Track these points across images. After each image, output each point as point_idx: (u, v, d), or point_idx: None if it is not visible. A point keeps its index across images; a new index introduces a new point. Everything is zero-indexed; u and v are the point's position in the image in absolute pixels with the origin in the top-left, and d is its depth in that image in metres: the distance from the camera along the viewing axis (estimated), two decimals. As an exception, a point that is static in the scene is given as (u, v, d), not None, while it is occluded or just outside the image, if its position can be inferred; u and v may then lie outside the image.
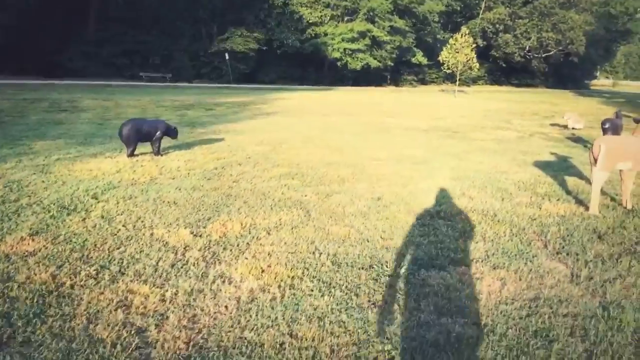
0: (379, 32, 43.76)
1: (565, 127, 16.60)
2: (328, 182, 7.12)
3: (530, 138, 13.64)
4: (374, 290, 3.63)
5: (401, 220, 5.37)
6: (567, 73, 69.44)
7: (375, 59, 45.51)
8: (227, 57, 42.10)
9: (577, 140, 13.42)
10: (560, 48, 54.57)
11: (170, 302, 3.33)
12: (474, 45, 38.11)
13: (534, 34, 53.70)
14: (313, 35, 44.94)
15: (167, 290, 3.48)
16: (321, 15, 45.17)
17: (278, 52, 45.04)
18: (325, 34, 44.43)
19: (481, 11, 58.84)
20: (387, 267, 4.07)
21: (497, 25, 55.12)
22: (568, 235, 5.00)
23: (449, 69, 38.93)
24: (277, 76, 47.14)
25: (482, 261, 4.27)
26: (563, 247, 4.67)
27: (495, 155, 10.26)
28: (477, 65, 39.32)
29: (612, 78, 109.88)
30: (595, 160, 5.91)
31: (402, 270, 3.99)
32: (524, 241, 4.81)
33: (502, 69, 64.43)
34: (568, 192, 6.89)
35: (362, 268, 4.03)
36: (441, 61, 39.21)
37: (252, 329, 3.01)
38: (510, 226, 5.26)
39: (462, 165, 8.77)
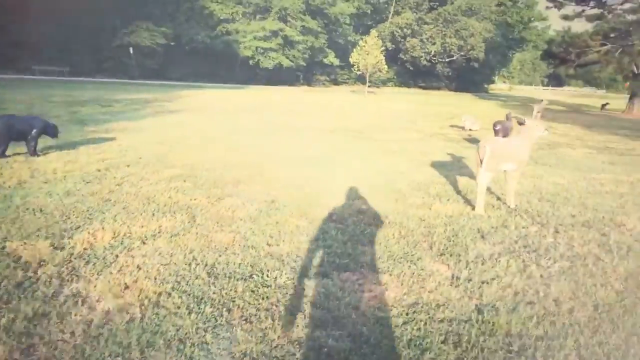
0: (291, 31, 43.71)
1: (463, 128, 17.39)
2: (222, 185, 6.78)
3: (430, 139, 14.12)
4: (249, 303, 3.37)
5: (291, 224, 5.17)
6: (468, 77, 73.76)
7: (287, 58, 45.42)
8: (131, 51, 39.91)
9: (473, 141, 14.07)
10: (462, 53, 57.80)
11: (3, 330, 2.84)
12: (383, 48, 39.17)
13: (439, 40, 56.45)
14: (224, 32, 43.94)
15: (2, 316, 2.98)
16: (232, 12, 44.30)
17: (187, 48, 43.51)
18: (237, 32, 43.61)
19: (390, 15, 60.84)
20: (267, 276, 3.83)
21: (405, 30, 57.28)
22: (453, 236, 5.08)
23: (359, 70, 39.73)
24: (186, 73, 45.53)
25: (367, 266, 4.17)
26: (447, 248, 4.71)
27: (395, 156, 10.44)
28: (386, 67, 40.52)
29: (508, 83, 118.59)
30: (481, 161, 6.09)
31: (283, 280, 3.77)
32: (410, 243, 4.80)
33: (410, 71, 67.10)
34: (458, 192, 7.08)
35: (241, 279, 3.77)
36: (352, 62, 39.91)
37: (98, 359, 2.63)
38: (400, 228, 5.25)
39: (363, 167, 8.79)
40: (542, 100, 25.00)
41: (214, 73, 47.72)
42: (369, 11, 58.11)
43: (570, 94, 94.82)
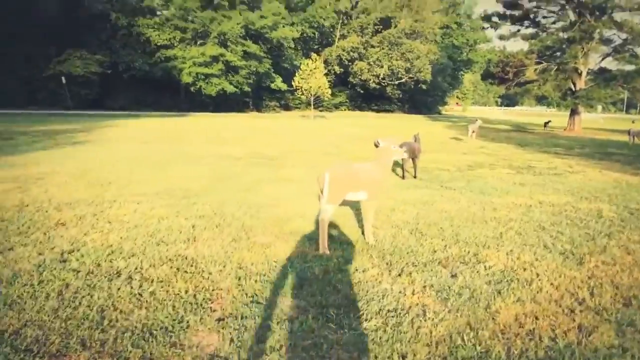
0: (232, 56, 42.83)
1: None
2: (36, 229, 5.57)
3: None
4: None
5: (60, 284, 4.02)
6: (420, 99, 74.75)
7: (231, 84, 44.43)
8: (63, 81, 38.13)
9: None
10: (410, 76, 58.34)
11: None
12: (326, 72, 38.81)
13: (386, 62, 56.82)
14: (163, 58, 42.65)
15: None
16: (170, 38, 43.16)
17: (125, 76, 41.97)
18: (176, 58, 42.41)
19: (337, 39, 61.07)
20: None
21: (352, 53, 57.48)
22: (262, 288, 4.03)
23: (302, 94, 39.15)
24: (128, 102, 43.93)
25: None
26: (236, 309, 3.64)
27: (287, 184, 9.45)
28: (330, 91, 40.10)
29: (462, 104, 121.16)
30: (321, 192, 5.12)
31: None
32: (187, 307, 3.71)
33: (362, 95, 67.37)
34: (314, 228, 6.09)
35: None
36: (294, 87, 39.33)
37: None
38: (207, 281, 4.17)
39: (234, 199, 7.71)
40: (476, 120, 24.82)
41: (157, 101, 46.30)
42: (312, 34, 58.09)
43: (522, 113, 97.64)
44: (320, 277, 4.35)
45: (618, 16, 36.46)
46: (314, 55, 40.75)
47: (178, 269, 4.45)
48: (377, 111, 70.58)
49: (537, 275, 4.58)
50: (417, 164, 11.45)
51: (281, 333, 3.29)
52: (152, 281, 4.14)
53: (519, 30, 40.19)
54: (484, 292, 4.10)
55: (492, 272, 4.62)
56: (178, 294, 3.90)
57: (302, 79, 38.23)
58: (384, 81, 59.43)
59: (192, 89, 43.64)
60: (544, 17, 39.46)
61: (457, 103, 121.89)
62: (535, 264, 4.90)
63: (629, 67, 36.89)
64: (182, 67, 42.09)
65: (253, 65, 45.04)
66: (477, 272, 4.60)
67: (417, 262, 4.84)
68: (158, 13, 44.10)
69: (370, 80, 58.21)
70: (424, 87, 61.28)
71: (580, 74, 36.94)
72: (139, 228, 5.80)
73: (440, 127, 38.28)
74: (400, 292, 4.07)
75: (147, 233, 5.59)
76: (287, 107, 58.67)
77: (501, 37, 41.31)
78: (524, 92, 38.24)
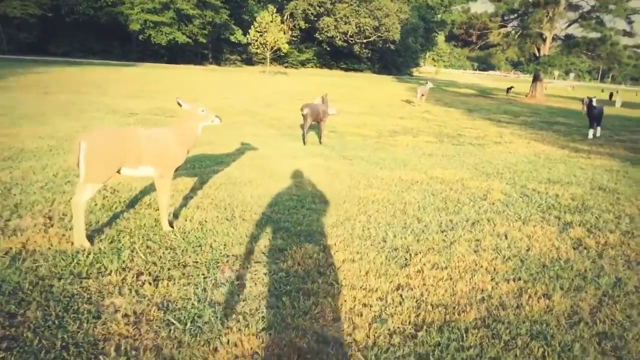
0: (184, 4, 40.11)
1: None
2: None
3: (259, 123, 12.06)
4: None
5: None
6: (390, 60, 72.95)
7: (183, 33, 41.85)
8: (-2, 22, 35.18)
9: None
10: (379, 34, 56.35)
11: None
12: (291, 27, 36.73)
13: (353, 19, 54.60)
14: (109, 2, 39.61)
15: None
16: (118, -19, 40.09)
17: (68, 20, 38.95)
18: (123, 3, 39.43)
19: (304, -8, 58.30)
20: None
21: (319, 8, 54.94)
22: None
23: (257, 48, 37.13)
24: (72, 48, 41.09)
25: None
26: None
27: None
28: (286, 46, 38.19)
29: (435, 66, 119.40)
30: (78, 165, 3.84)
31: None
32: None
33: (330, 53, 65.09)
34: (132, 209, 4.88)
35: None
36: (249, 41, 37.24)
37: None
38: None
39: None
40: (426, 83, 23.68)
41: (106, 49, 43.56)
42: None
43: (496, 78, 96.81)
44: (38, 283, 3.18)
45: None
46: (270, 7, 38.38)
47: None
48: (346, 70, 68.68)
49: (336, 282, 3.52)
50: (323, 129, 10.29)
51: None
52: None
53: (487, -9, 38.62)
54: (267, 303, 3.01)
55: (286, 268, 3.54)
56: None
57: (256, 32, 36.09)
58: (351, 39, 57.32)
59: (140, 37, 40.96)
60: (513, -22, 37.91)
61: (434, 65, 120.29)
62: (351, 262, 3.85)
63: (595, 35, 35.93)
64: (130, 13, 39.24)
65: (209, 15, 42.40)
66: (259, 279, 3.50)
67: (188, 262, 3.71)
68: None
69: (337, 37, 56.04)
70: (392, 47, 59.41)
71: (545, 40, 35.87)
72: None
73: (402, 88, 37.04)
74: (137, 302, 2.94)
75: None
76: (249, 62, 56.21)
77: (468, -1, 39.72)
78: (487, 56, 37.07)
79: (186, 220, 4.58)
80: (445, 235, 4.71)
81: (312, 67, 66.74)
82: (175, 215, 4.72)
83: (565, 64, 34.71)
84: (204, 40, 43.29)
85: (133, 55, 43.80)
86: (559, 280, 3.80)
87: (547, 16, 34.45)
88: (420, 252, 4.22)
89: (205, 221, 4.61)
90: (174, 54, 45.47)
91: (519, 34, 35.65)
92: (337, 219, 5.01)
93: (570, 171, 8.37)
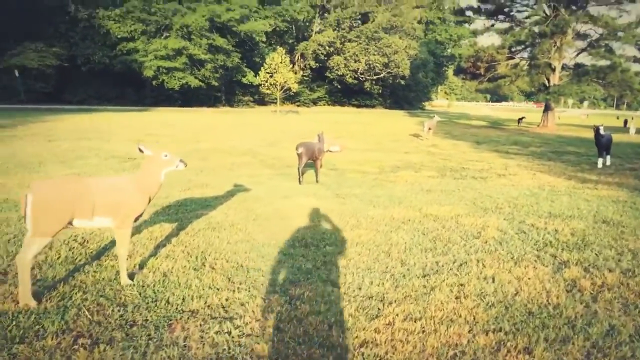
0: (196, 49, 41.15)
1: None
2: None
3: (259, 163, 11.94)
4: None
5: None
6: (401, 95, 73.35)
7: (196, 77, 42.77)
8: (17, 73, 36.36)
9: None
10: (388, 71, 56.88)
11: None
12: (302, 66, 37.32)
13: (363, 57, 55.33)
14: (124, 51, 40.89)
15: None
16: (131, 31, 41.36)
17: (83, 70, 40.20)
18: (137, 51, 40.67)
19: (313, 33, 59.52)
20: None
21: (329, 48, 55.91)
22: None
23: (267, 89, 37.67)
24: (87, 96, 42.22)
25: None
26: None
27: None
28: (296, 85, 38.63)
29: (448, 99, 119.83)
30: (25, 218, 3.67)
31: None
32: None
33: (341, 90, 65.84)
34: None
35: None
36: (258, 82, 37.85)
37: None
38: None
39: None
40: (433, 116, 23.52)
41: (120, 95, 44.63)
42: (285, 28, 56.35)
43: (508, 109, 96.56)
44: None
45: (595, 10, 35.35)
46: (279, 49, 39.14)
47: None
48: (358, 106, 69.19)
49: (295, 339, 3.23)
50: (318, 167, 10.11)
51: None
52: None
53: (493, 25, 38.88)
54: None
55: (242, 325, 3.27)
56: None
57: (267, 73, 36.70)
58: (362, 76, 57.95)
59: (153, 82, 41.96)
60: (518, 11, 38.17)
61: (446, 98, 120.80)
62: (316, 314, 3.56)
63: (604, 63, 35.59)
64: (144, 61, 40.37)
65: (220, 59, 43.39)
66: (209, 340, 3.23)
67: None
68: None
69: (347, 75, 56.72)
70: (402, 82, 59.85)
71: (554, 70, 35.68)
72: None
73: (412, 122, 36.93)
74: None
75: None
76: (261, 102, 56.98)
77: (475, 32, 40.00)
78: (496, 87, 36.93)
79: (150, 272, 4.35)
80: (427, 280, 4.39)
81: (324, 105, 67.41)
82: (142, 266, 4.50)
83: (575, 92, 34.31)
84: (216, 83, 44.16)
85: (147, 101, 44.80)
86: (544, 331, 3.45)
87: (554, 46, 34.38)
88: (395, 301, 3.91)
89: (171, 272, 4.38)
90: (188, 98, 46.37)
91: (527, 64, 35.52)
92: (313, 264, 4.74)
93: (574, 203, 7.98)
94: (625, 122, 39.58)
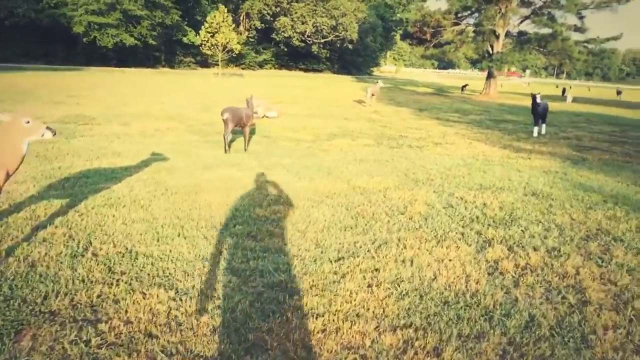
0: (131, 5, 38.42)
1: (256, 114, 14.60)
2: None
3: (187, 129, 11.11)
4: None
5: None
6: (349, 60, 72.63)
7: (132, 35, 40.12)
8: None
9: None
10: (336, 34, 55.82)
11: None
12: (247, 27, 35.65)
13: (310, 19, 53.88)
14: (52, 4, 37.58)
15: None
16: (61, -17, 38.06)
17: (6, 24, 36.73)
18: (66, 4, 37.46)
19: (259, -8, 57.28)
20: None
21: (275, 8, 54.00)
22: None
23: (208, 49, 35.92)
24: (11, 53, 38.78)
25: None
26: None
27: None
28: (238, 46, 37.10)
29: (396, 65, 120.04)
30: None
31: None
32: None
33: (288, 53, 64.22)
34: None
35: None
36: (199, 42, 35.99)
37: None
38: None
39: None
40: (377, 82, 23.15)
41: (50, 53, 41.34)
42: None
43: (455, 76, 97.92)
44: None
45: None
46: (221, 7, 37.17)
47: None
48: (305, 70, 68.04)
49: (163, 351, 2.69)
50: (247, 134, 9.47)
51: None
52: None
53: (442, -12, 38.57)
54: None
55: (98, 332, 2.68)
56: None
57: (207, 32, 34.88)
58: (309, 39, 56.63)
59: (84, 40, 39.03)
60: (466, -25, 37.84)
61: (395, 64, 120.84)
62: (196, 316, 3.03)
63: (546, 31, 36.12)
64: (73, 15, 37.29)
65: (158, 15, 40.81)
66: (57, 352, 2.64)
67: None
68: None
69: (294, 37, 55.24)
70: (350, 46, 59.00)
71: (498, 37, 35.94)
72: None
73: (358, 88, 36.44)
74: None
75: None
76: (204, 64, 54.64)
77: (423, -5, 39.54)
78: (442, 54, 36.93)
79: (15, 261, 3.66)
80: (340, 265, 3.95)
81: (270, 68, 65.76)
82: (8, 253, 3.80)
83: (517, 60, 34.88)
84: (154, 42, 41.64)
85: (79, 59, 41.77)
86: (458, 325, 3.08)
87: (499, 13, 34.51)
88: (299, 292, 3.44)
89: (42, 261, 3.71)
90: (124, 57, 43.67)
91: (472, 31, 35.58)
92: (216, 248, 4.19)
93: (506, 174, 7.80)
94: (564, 90, 40.89)
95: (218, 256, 4.03)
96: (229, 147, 9.20)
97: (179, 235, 4.44)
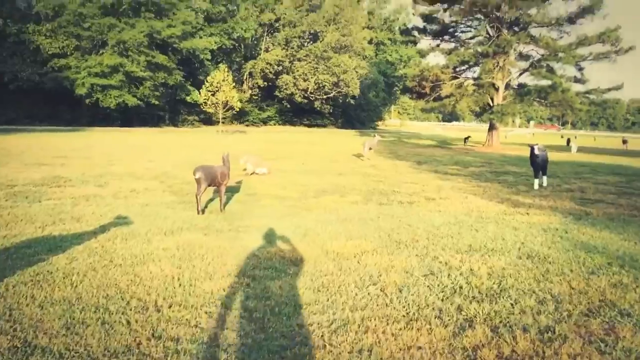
0: (133, 66, 39.21)
1: (245, 170, 14.21)
2: None
3: (166, 189, 10.55)
4: None
5: None
6: (353, 114, 73.32)
7: (134, 96, 40.68)
8: None
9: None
10: (338, 90, 56.57)
11: None
12: (250, 86, 36.12)
13: (312, 76, 54.81)
14: (55, 68, 38.48)
15: None
16: (63, 46, 39.07)
17: (11, 87, 37.51)
18: (69, 67, 38.36)
19: (261, 52, 58.66)
20: None
21: (277, 67, 55.12)
22: None
23: (210, 107, 36.23)
24: (17, 115, 39.40)
25: None
26: None
27: None
28: (239, 104, 37.43)
29: (400, 119, 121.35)
30: None
31: None
32: None
33: (292, 109, 64.96)
34: None
35: None
36: (201, 101, 36.38)
37: None
38: None
39: None
40: (374, 136, 22.83)
41: (53, 115, 41.96)
42: (236, 47, 55.13)
43: (459, 128, 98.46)
44: None
45: (536, 32, 35.89)
46: (222, 66, 37.84)
47: None
48: (309, 126, 68.53)
49: None
50: (222, 194, 8.88)
51: None
52: None
53: (438, 45, 39.03)
54: None
55: None
56: None
57: (208, 91, 35.28)
58: (311, 95, 57.35)
59: (87, 101, 39.64)
60: (463, 32, 38.48)
61: (399, 118, 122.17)
62: None
63: (546, 82, 36.09)
64: (76, 78, 38.06)
65: (161, 76, 41.55)
66: None
67: None
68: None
69: (296, 94, 55.98)
70: (352, 101, 59.67)
71: (497, 89, 35.96)
72: None
73: (359, 142, 36.15)
74: None
75: None
76: (208, 122, 55.21)
77: (420, 52, 40.07)
78: (441, 107, 36.89)
79: None
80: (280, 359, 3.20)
81: (274, 124, 66.34)
82: None
83: (518, 112, 34.60)
84: (157, 102, 42.17)
85: (83, 120, 42.31)
86: None
87: (497, 66, 34.67)
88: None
89: None
90: (128, 117, 44.19)
91: (471, 84, 35.70)
92: (131, 340, 3.46)
93: (500, 233, 7.08)
94: (568, 141, 40.39)
95: (134, 349, 3.30)
96: (205, 207, 8.61)
97: (97, 321, 3.74)
